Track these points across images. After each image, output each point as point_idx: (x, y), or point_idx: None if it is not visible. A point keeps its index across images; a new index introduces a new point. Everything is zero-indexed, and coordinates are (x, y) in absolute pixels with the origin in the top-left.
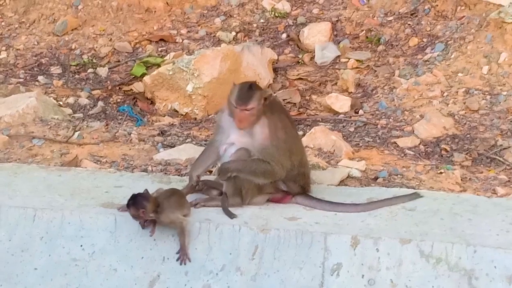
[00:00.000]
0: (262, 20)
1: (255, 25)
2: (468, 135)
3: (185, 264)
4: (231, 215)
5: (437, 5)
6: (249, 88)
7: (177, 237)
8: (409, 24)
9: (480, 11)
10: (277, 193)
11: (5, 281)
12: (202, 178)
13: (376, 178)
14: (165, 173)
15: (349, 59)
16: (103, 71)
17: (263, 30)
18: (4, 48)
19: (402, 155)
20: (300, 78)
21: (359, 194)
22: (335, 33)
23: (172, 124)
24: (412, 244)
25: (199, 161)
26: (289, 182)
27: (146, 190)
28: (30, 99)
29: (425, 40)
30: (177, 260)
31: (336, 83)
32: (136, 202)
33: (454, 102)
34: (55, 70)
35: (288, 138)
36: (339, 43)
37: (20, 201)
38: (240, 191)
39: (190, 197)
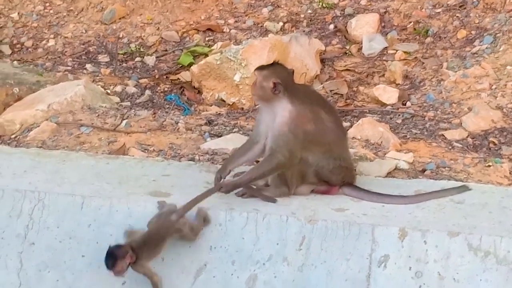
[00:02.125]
0: (309, 11)
1: (302, 15)
2: None
3: None
4: (273, 200)
5: None
6: (272, 64)
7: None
8: (457, 16)
9: None
10: (321, 184)
11: (53, 268)
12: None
13: (423, 171)
14: (212, 163)
15: (396, 50)
16: (150, 60)
17: (310, 20)
18: (52, 36)
19: (450, 147)
20: (347, 69)
21: (407, 186)
22: (383, 24)
23: (219, 113)
24: (460, 237)
25: (235, 155)
26: (331, 174)
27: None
28: (78, 87)
29: (473, 32)
30: None
31: (383, 75)
32: (113, 263)
33: (502, 95)
34: (103, 58)
35: (317, 131)
36: (386, 34)
37: (68, 188)
38: (285, 180)
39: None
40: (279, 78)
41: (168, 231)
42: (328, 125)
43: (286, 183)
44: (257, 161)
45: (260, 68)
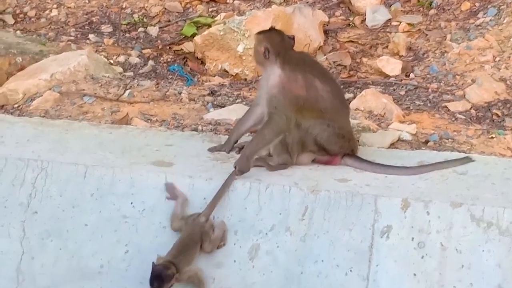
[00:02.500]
0: None
1: None
2: None
3: None
4: (284, 166)
5: None
6: (269, 29)
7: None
8: None
9: None
10: (321, 154)
11: (56, 237)
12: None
13: (426, 142)
14: (215, 133)
15: (400, 22)
16: (153, 31)
17: None
18: (55, 6)
19: (453, 119)
20: (351, 41)
21: (410, 157)
22: None
23: (222, 84)
24: (463, 208)
25: (238, 124)
26: (328, 143)
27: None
28: (81, 57)
29: (477, 4)
30: None
31: (387, 46)
32: (160, 286)
33: (506, 67)
34: (106, 28)
35: (309, 97)
36: (390, 6)
37: (71, 157)
38: (286, 148)
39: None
40: (270, 43)
41: (199, 235)
42: (321, 94)
43: (288, 151)
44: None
45: (257, 33)
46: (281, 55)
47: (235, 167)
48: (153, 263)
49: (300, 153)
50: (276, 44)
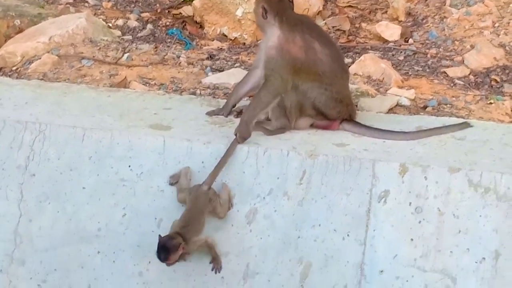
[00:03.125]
0: None
1: None
2: None
3: (218, 272)
4: (281, 131)
5: None
6: None
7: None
8: None
9: None
10: (320, 118)
11: (53, 199)
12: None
13: (425, 107)
14: (214, 97)
15: None
16: None
17: None
18: None
19: (452, 84)
20: (350, 6)
21: (409, 122)
22: None
23: (221, 48)
24: (460, 173)
25: (236, 88)
26: (326, 107)
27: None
28: (79, 20)
29: None
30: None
31: (386, 11)
32: (166, 256)
33: (505, 33)
34: None
35: (307, 59)
36: None
37: (69, 120)
38: (284, 111)
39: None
40: (267, 3)
41: (204, 203)
42: (320, 57)
43: (286, 115)
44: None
45: None
46: (279, 15)
47: (235, 135)
48: (159, 235)
49: (298, 117)
50: (274, 3)
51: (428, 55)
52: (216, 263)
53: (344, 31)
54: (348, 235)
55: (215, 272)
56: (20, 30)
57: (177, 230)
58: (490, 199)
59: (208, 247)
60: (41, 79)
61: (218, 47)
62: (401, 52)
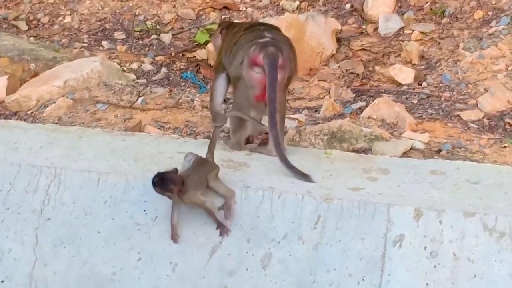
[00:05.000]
0: None
1: None
2: None
3: (227, 235)
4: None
5: None
6: None
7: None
8: None
9: None
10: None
11: (69, 243)
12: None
13: (439, 151)
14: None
15: (413, 30)
16: (166, 38)
17: None
18: (68, 12)
19: (466, 128)
20: (363, 49)
21: (423, 166)
22: (399, 4)
23: None
24: (475, 218)
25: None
26: None
27: (176, 168)
28: (94, 64)
29: (490, 13)
30: (219, 235)
31: (399, 55)
32: (162, 183)
33: None
34: (119, 35)
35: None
36: (403, 14)
37: (84, 164)
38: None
39: None
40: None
41: (207, 165)
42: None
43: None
44: None
45: None
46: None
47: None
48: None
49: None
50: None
51: (442, 99)
52: (221, 228)
53: (358, 74)
54: (363, 279)
55: (223, 236)
56: (35, 74)
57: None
58: (505, 244)
59: (208, 212)
60: (56, 123)
61: (231, 91)
62: (414, 95)
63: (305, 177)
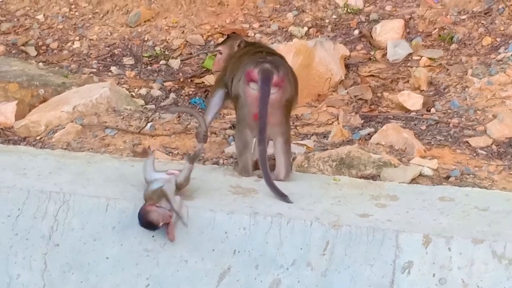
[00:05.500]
0: (334, 16)
1: (327, 20)
2: None
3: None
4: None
5: (511, 5)
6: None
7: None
8: (482, 23)
9: None
10: None
11: (77, 269)
12: None
13: (448, 177)
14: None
15: (421, 57)
16: (175, 63)
17: (335, 26)
18: (77, 38)
19: (474, 154)
20: (372, 75)
21: (431, 192)
22: (407, 30)
23: None
24: (484, 244)
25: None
26: None
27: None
28: (103, 89)
29: (498, 39)
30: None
31: (408, 81)
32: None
33: None
34: (128, 61)
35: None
36: (411, 40)
37: (93, 190)
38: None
39: None
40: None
41: None
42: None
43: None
44: None
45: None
46: None
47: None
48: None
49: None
50: None
51: (451, 125)
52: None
53: (366, 100)
54: None
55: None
56: (44, 100)
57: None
58: None
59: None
60: (65, 149)
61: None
62: (423, 121)
63: (283, 197)
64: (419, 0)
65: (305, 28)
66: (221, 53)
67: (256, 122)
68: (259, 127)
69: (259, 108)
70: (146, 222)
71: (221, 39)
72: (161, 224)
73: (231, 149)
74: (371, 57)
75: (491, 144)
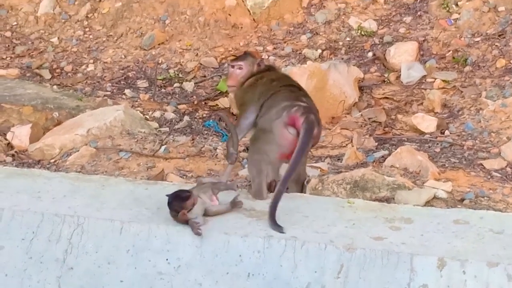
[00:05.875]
0: (348, 38)
1: (341, 43)
2: None
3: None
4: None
5: None
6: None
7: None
8: (496, 45)
9: None
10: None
11: None
12: None
13: (462, 200)
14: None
15: (435, 79)
16: (189, 86)
17: (349, 48)
18: (92, 61)
19: (489, 177)
20: (385, 97)
21: (446, 215)
22: (421, 52)
23: None
24: (499, 268)
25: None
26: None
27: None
28: (117, 112)
29: None
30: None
31: (422, 103)
32: (174, 204)
33: None
34: (142, 83)
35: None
36: (425, 62)
37: (107, 213)
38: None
39: None
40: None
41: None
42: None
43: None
44: None
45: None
46: None
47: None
48: None
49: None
50: None
51: (465, 147)
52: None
53: (380, 122)
54: None
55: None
56: (59, 123)
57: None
58: None
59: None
60: (79, 172)
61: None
62: (437, 144)
63: (278, 228)
64: (433, 23)
65: (319, 51)
66: (241, 69)
67: (279, 160)
68: (289, 170)
69: (296, 156)
70: (176, 195)
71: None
72: (183, 209)
73: (245, 171)
74: (385, 80)
75: (506, 166)
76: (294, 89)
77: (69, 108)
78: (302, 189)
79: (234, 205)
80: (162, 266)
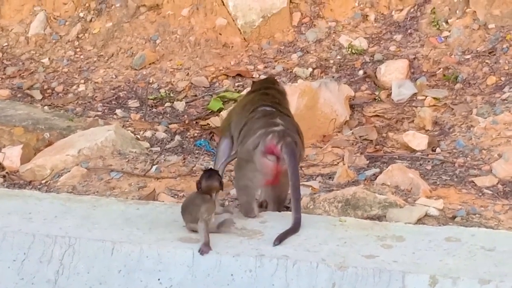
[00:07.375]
0: (339, 57)
1: (332, 61)
2: None
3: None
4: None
5: None
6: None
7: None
8: (487, 63)
9: None
10: None
11: None
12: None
13: (454, 217)
14: None
15: (426, 96)
16: (180, 105)
17: (340, 66)
18: (82, 81)
19: (480, 194)
20: (376, 115)
21: (438, 233)
22: (412, 70)
23: None
24: (491, 285)
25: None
26: None
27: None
28: (108, 132)
29: (503, 79)
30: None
31: (413, 121)
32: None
33: None
34: (133, 103)
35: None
36: (416, 80)
37: (98, 234)
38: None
39: None
40: None
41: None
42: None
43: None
44: None
45: None
46: None
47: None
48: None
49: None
50: None
51: (456, 164)
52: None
53: (371, 140)
54: None
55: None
56: (50, 143)
57: None
58: None
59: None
60: (70, 192)
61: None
62: (428, 161)
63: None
64: (423, 40)
65: (310, 69)
66: None
67: (265, 185)
68: (295, 203)
69: (293, 182)
70: (209, 174)
71: (226, 81)
72: (210, 189)
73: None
74: (376, 97)
75: (497, 183)
76: (268, 111)
77: (60, 128)
78: (279, 209)
79: (222, 225)
80: (154, 286)
